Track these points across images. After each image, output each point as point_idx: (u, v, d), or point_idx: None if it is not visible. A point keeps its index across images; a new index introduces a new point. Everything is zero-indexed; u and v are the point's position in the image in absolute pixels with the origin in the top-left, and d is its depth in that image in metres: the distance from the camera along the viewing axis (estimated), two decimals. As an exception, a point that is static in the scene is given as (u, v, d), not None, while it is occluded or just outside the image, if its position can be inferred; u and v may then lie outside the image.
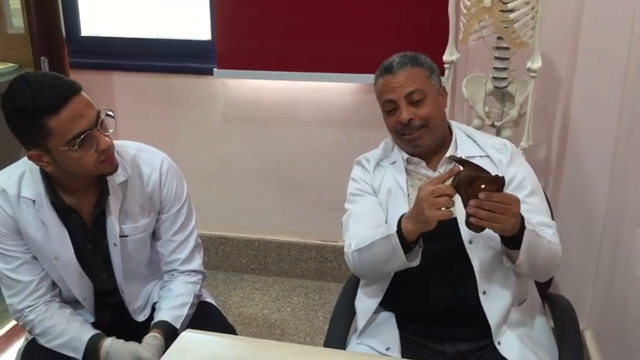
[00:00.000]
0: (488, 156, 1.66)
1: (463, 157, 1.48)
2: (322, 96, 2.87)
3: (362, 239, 1.59)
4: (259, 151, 3.02)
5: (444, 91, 1.71)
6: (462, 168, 1.40)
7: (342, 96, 2.86)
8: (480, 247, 1.57)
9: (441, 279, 1.61)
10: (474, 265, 1.56)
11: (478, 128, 2.16)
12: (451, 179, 1.39)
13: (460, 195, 1.39)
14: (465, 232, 1.56)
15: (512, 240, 1.45)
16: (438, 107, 1.65)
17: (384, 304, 1.70)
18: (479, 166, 1.39)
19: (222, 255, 3.20)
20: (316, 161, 2.97)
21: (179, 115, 3.04)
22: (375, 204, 1.68)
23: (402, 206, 1.64)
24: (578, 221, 2.45)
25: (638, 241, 1.96)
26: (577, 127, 2.39)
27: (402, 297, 1.66)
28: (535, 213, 1.58)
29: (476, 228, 1.39)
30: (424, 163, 1.68)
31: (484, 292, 1.56)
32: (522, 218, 1.43)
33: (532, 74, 2.13)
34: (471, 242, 1.58)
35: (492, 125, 2.29)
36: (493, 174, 1.39)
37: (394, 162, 1.72)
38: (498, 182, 1.36)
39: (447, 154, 1.66)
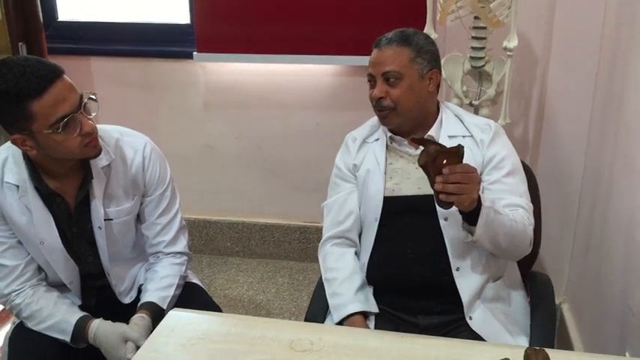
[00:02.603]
0: (471, 136, 1.68)
1: (425, 137, 1.50)
2: (303, 79, 2.87)
3: (330, 271, 1.70)
4: (241, 134, 3.02)
5: (436, 74, 1.68)
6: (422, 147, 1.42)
7: (323, 78, 2.86)
8: (454, 226, 1.58)
9: (416, 253, 1.63)
10: (446, 243, 1.59)
11: (457, 107, 2.18)
12: (418, 158, 1.41)
13: (427, 174, 1.40)
14: (440, 209, 1.58)
15: (471, 216, 1.47)
16: (413, 91, 1.64)
17: (366, 276, 1.73)
18: (438, 142, 1.41)
19: (207, 238, 3.20)
20: (298, 144, 2.98)
21: (159, 100, 3.03)
22: (346, 195, 1.73)
23: (378, 183, 1.67)
24: (555, 198, 2.49)
25: (611, 217, 2.00)
26: (553, 104, 2.42)
27: (378, 269, 1.69)
28: (510, 193, 1.60)
29: (446, 205, 1.41)
30: (406, 142, 1.69)
31: (457, 269, 1.59)
32: (479, 196, 1.45)
33: (508, 53, 2.15)
34: (446, 219, 1.59)
35: (470, 104, 2.31)
36: (451, 146, 1.40)
37: (378, 139, 1.74)
38: (458, 153, 1.38)
39: (430, 133, 1.67)
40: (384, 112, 1.65)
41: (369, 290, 1.70)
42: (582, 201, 2.44)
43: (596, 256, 2.19)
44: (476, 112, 2.31)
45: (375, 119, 1.80)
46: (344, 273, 1.68)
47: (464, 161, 1.40)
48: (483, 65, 2.24)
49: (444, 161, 1.38)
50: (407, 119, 1.67)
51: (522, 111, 2.51)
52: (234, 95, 2.96)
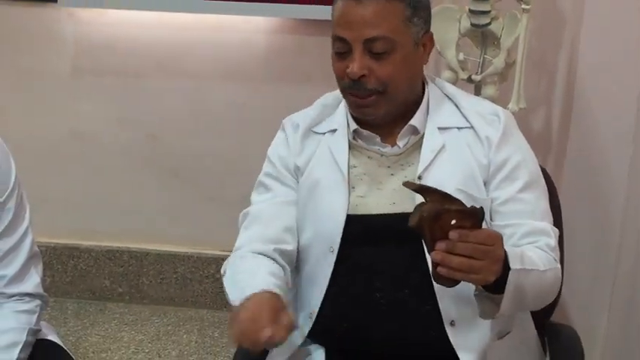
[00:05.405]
0: (472, 127, 1.72)
1: (423, 184, 1.54)
2: (225, 36, 2.91)
3: (233, 277, 1.66)
4: (128, 118, 3.03)
5: (430, 39, 1.72)
6: (422, 199, 1.44)
7: (255, 36, 2.90)
8: None
9: (389, 299, 1.65)
10: (434, 283, 1.55)
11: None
12: (410, 216, 1.43)
13: (423, 236, 1.43)
14: None
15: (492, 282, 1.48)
16: (409, 66, 1.67)
17: (314, 331, 1.73)
18: (446, 193, 1.43)
19: (74, 274, 3.19)
20: (214, 134, 3.01)
21: (4, 63, 3.03)
22: (282, 204, 1.75)
23: (338, 196, 1.70)
24: (587, 219, 2.54)
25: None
26: (586, 83, 2.49)
27: (333, 322, 1.69)
28: (528, 216, 1.66)
29: (447, 281, 1.43)
30: (379, 138, 1.72)
31: (452, 323, 1.62)
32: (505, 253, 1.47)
33: (524, 6, 2.21)
34: None
35: (469, 80, 2.37)
36: (468, 205, 1.43)
37: (335, 130, 1.76)
38: (474, 216, 1.41)
39: (412, 122, 1.70)
40: (367, 97, 1.66)
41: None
42: (626, 224, 2.48)
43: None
44: (477, 90, 2.37)
45: (328, 98, 1.81)
46: (255, 265, 1.66)
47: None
48: (488, 23, 2.28)
49: (453, 221, 1.39)
50: (395, 106, 1.69)
51: (543, 92, 2.57)
52: (119, 58, 2.96)
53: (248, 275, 1.61)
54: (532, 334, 1.79)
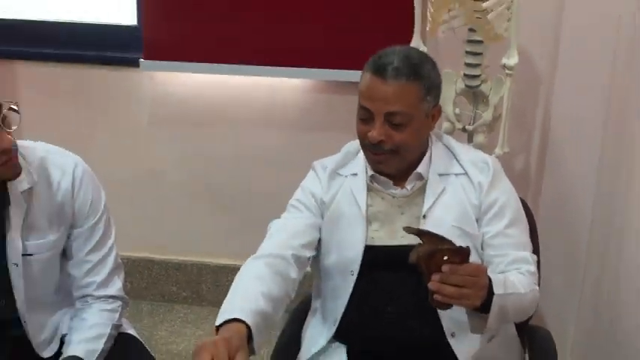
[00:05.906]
0: (466, 174, 1.74)
1: (420, 228, 1.56)
2: (270, 94, 2.93)
3: (233, 289, 1.55)
4: (193, 158, 3.06)
5: (439, 110, 1.73)
6: (420, 240, 1.48)
7: (293, 94, 2.93)
8: None
9: (399, 313, 1.66)
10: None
11: (448, 133, 2.26)
12: (410, 253, 1.46)
13: (421, 270, 1.46)
14: None
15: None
16: (419, 133, 1.69)
17: (337, 334, 1.75)
18: (439, 235, 1.46)
19: (148, 281, 3.22)
20: (261, 170, 3.03)
21: (97, 115, 3.06)
22: (304, 225, 1.73)
23: (358, 231, 1.70)
24: (559, 241, 2.54)
25: (625, 262, 2.05)
26: (558, 132, 2.51)
27: (355, 328, 1.70)
28: (513, 247, 1.68)
29: (442, 305, 1.47)
30: (391, 183, 1.74)
31: (453, 335, 1.64)
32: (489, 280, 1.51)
33: (508, 72, 2.22)
34: None
35: (463, 129, 2.39)
36: (460, 242, 1.47)
37: (355, 174, 1.77)
38: (463, 253, 1.44)
39: (418, 170, 1.72)
40: (382, 155, 1.67)
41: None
42: (591, 248, 2.49)
43: (607, 313, 2.23)
44: (470, 138, 2.41)
45: (350, 147, 1.83)
46: (254, 279, 1.56)
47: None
48: (479, 85, 2.30)
49: (445, 258, 1.43)
50: (406, 163, 1.71)
51: (523, 140, 2.59)
52: (186, 112, 3.00)
53: (240, 295, 1.52)
54: (513, 336, 1.80)
